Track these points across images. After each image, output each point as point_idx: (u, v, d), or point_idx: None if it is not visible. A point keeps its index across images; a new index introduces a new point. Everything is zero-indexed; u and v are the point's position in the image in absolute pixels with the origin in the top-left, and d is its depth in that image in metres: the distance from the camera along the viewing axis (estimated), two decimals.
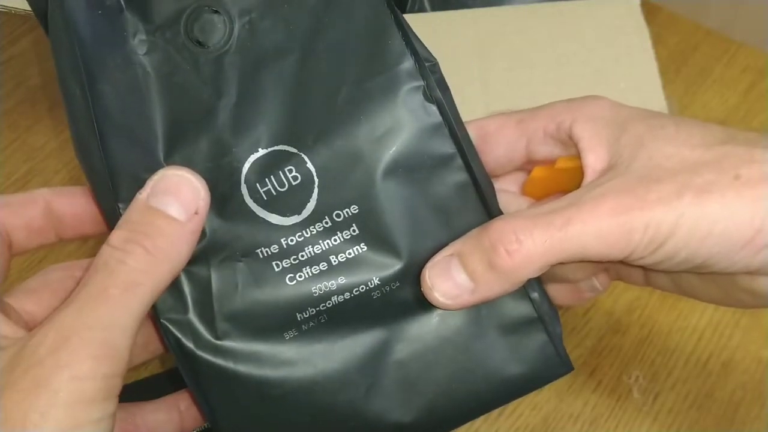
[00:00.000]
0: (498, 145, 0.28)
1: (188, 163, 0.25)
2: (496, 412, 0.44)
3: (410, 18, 0.29)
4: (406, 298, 0.26)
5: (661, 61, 0.60)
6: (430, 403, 0.26)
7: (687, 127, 0.25)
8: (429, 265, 0.25)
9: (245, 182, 0.25)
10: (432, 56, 0.26)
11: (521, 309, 0.27)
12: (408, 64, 0.25)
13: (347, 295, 0.26)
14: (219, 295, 0.25)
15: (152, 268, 0.22)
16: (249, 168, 0.25)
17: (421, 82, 0.25)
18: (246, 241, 0.25)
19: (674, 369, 0.46)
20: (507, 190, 0.30)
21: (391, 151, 0.25)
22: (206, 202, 0.24)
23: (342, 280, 0.25)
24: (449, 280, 0.24)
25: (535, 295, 0.27)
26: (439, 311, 0.26)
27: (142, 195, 0.24)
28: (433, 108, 0.25)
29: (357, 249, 0.25)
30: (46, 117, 0.60)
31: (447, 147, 0.25)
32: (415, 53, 0.25)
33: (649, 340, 0.47)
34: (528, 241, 0.23)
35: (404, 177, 0.25)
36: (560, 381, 0.45)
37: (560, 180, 0.28)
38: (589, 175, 0.26)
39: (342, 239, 0.25)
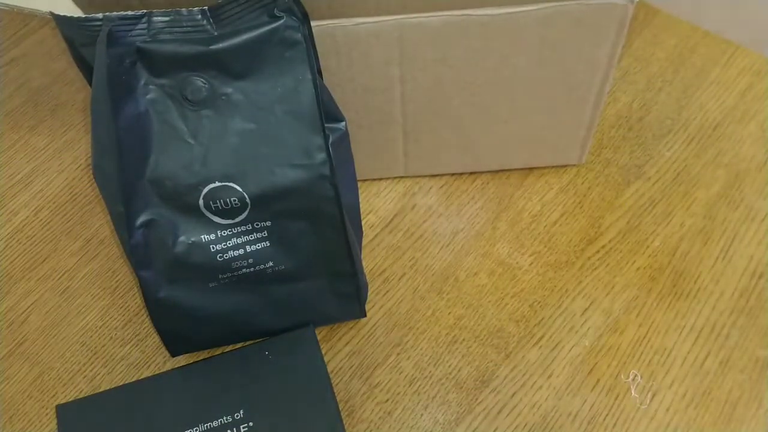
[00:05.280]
0: None
1: (167, 178, 0.37)
2: (495, 410, 0.45)
3: None
4: (287, 273, 0.42)
5: (659, 62, 0.61)
6: (292, 317, 0.45)
7: None
8: None
9: (203, 198, 0.38)
10: (341, 119, 0.40)
11: (347, 287, 0.44)
12: (323, 163, 0.38)
13: (251, 269, 0.40)
14: (176, 258, 0.39)
15: None
16: (206, 191, 0.37)
17: (328, 174, 0.38)
18: (196, 230, 0.39)
19: (672, 368, 0.46)
20: None
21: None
22: None
23: (251, 261, 0.40)
24: None
25: (357, 275, 0.43)
26: (300, 284, 0.42)
27: None
28: (328, 184, 0.38)
29: (263, 244, 0.40)
30: (49, 118, 0.60)
31: (330, 207, 0.39)
32: (329, 156, 0.38)
33: (647, 339, 0.47)
34: None
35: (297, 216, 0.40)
36: (559, 380, 0.46)
37: None
38: None
39: (255, 238, 0.39)
